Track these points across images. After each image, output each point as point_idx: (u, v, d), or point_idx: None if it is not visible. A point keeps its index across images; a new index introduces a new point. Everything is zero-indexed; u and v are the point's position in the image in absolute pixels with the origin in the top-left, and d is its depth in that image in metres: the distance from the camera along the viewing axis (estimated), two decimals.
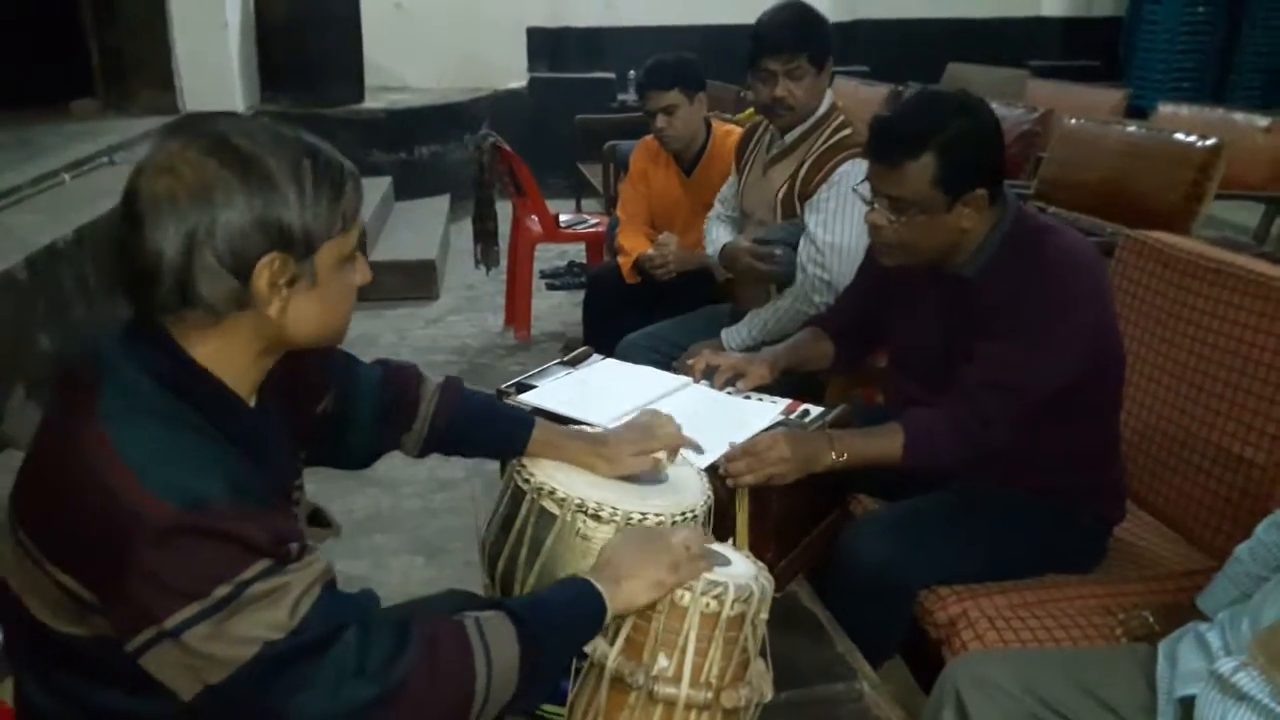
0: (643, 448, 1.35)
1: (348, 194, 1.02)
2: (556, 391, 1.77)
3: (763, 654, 1.15)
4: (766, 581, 1.14)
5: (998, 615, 1.62)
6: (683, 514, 1.27)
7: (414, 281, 4.81)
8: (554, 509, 1.26)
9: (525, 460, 1.33)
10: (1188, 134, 3.23)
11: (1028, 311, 1.61)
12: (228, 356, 1.01)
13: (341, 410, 1.29)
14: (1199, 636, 1.32)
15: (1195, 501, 1.83)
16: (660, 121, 3.04)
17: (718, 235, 2.71)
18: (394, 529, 2.79)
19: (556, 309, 4.67)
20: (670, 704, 1.07)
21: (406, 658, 0.95)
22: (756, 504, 1.58)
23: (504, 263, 4.40)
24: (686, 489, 1.35)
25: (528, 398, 1.74)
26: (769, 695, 1.14)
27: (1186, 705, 1.27)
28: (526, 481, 1.29)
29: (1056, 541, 1.76)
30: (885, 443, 1.64)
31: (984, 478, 1.75)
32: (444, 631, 0.99)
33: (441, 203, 5.91)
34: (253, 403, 1.07)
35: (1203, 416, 1.82)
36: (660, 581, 1.08)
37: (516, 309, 4.29)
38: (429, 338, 4.30)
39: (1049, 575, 1.76)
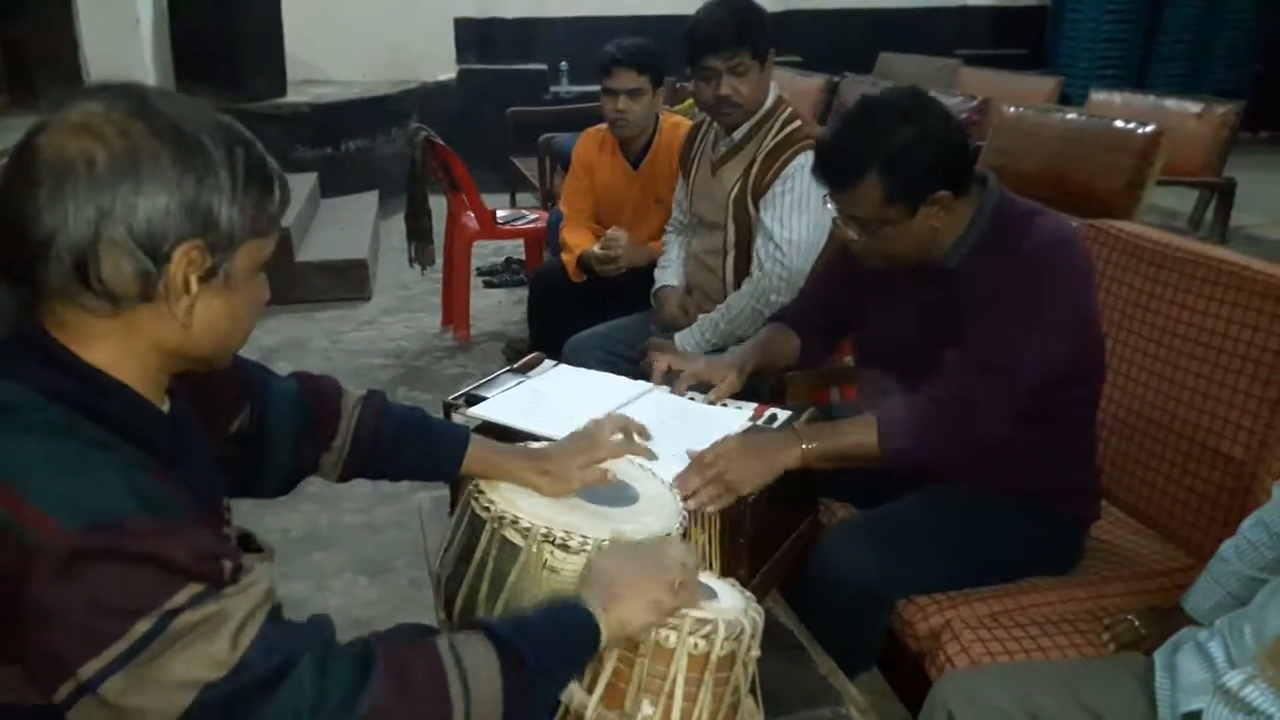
0: (589, 458, 1.24)
1: (276, 195, 0.91)
2: (509, 403, 1.65)
3: (752, 691, 1.06)
4: (757, 615, 1.05)
5: (980, 625, 1.55)
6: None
7: (345, 282, 4.63)
8: (517, 539, 1.15)
9: (483, 485, 1.21)
10: (1125, 121, 3.22)
11: (1016, 293, 1.54)
12: (126, 361, 0.87)
13: (258, 428, 1.15)
14: (1199, 647, 1.26)
15: (1172, 498, 1.78)
16: (621, 104, 2.92)
17: (668, 257, 2.68)
18: (334, 546, 2.65)
19: (496, 308, 4.53)
20: None
21: (370, 693, 0.82)
22: (728, 520, 1.48)
23: (439, 261, 4.25)
24: (659, 508, 1.25)
25: (479, 411, 1.62)
26: None
27: (1191, 717, 1.21)
28: (486, 509, 1.18)
29: (1034, 543, 1.70)
30: (859, 433, 1.56)
31: (960, 478, 1.68)
32: (414, 660, 0.86)
33: (370, 199, 5.72)
34: (165, 408, 0.93)
35: (1177, 411, 1.78)
36: (658, 602, 0.98)
37: (454, 308, 4.15)
38: (363, 340, 4.13)
39: (1027, 579, 1.70)
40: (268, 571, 0.85)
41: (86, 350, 0.85)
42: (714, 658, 0.98)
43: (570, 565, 1.14)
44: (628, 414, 1.62)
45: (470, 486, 1.22)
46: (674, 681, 0.97)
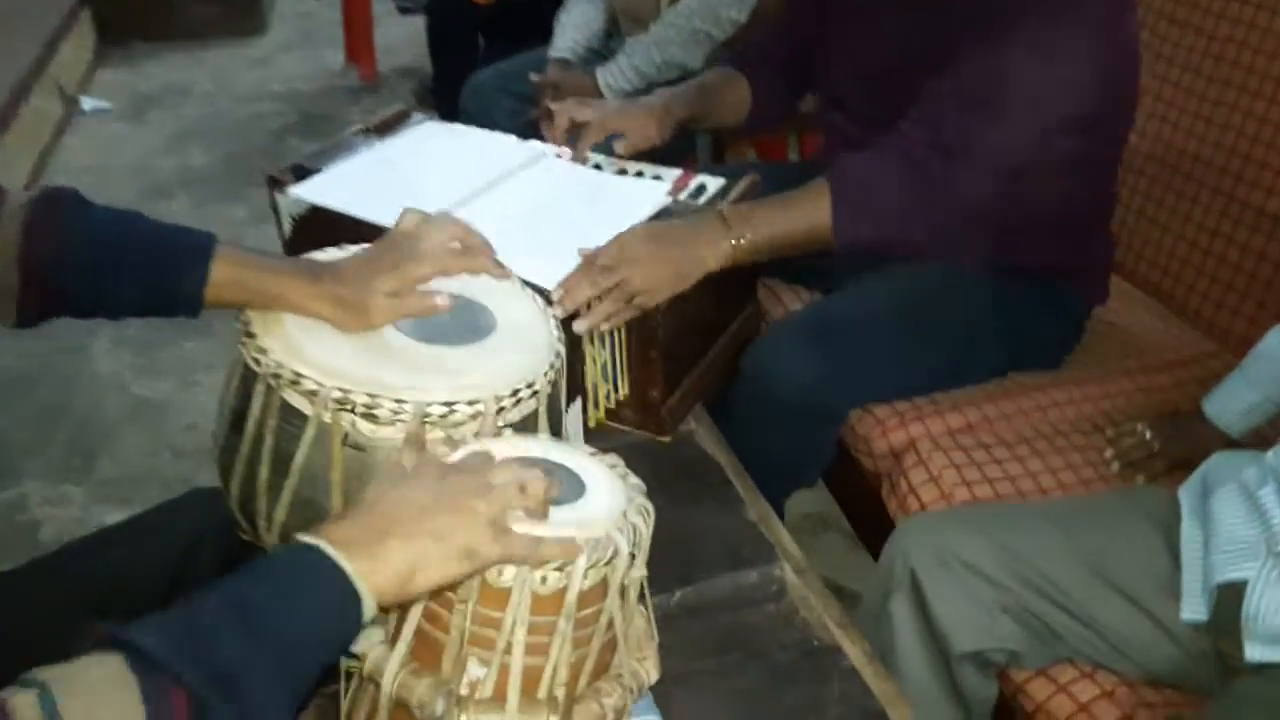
0: (404, 278, 0.87)
1: None
2: (347, 179, 1.24)
3: (642, 598, 0.74)
4: (642, 516, 0.71)
5: (953, 443, 1.24)
6: (514, 393, 0.82)
7: (234, 11, 3.98)
8: (302, 405, 0.79)
9: (255, 321, 0.84)
10: None
11: (1021, 5, 1.13)
12: None
13: None
14: (1245, 492, 0.96)
15: (1196, 269, 1.44)
16: None
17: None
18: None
19: (412, 38, 3.92)
20: None
21: None
22: (636, 331, 1.13)
23: None
24: (523, 341, 0.89)
25: (305, 190, 1.21)
26: (654, 677, 0.75)
27: (1230, 589, 0.93)
28: (257, 360, 0.81)
29: (1023, 333, 1.37)
30: (806, 210, 1.18)
31: (935, 256, 1.32)
32: None
33: None
34: None
35: (1213, 157, 1.40)
36: (470, 551, 0.62)
37: (358, 41, 3.57)
38: (254, 83, 3.58)
39: (1011, 376, 1.38)
40: None
41: None
42: (572, 596, 0.65)
43: (383, 441, 0.79)
44: (505, 192, 1.24)
45: (239, 323, 0.85)
46: (512, 632, 0.65)
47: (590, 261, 1.06)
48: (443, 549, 0.61)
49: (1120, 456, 1.23)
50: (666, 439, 1.20)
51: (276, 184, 1.24)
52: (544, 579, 0.65)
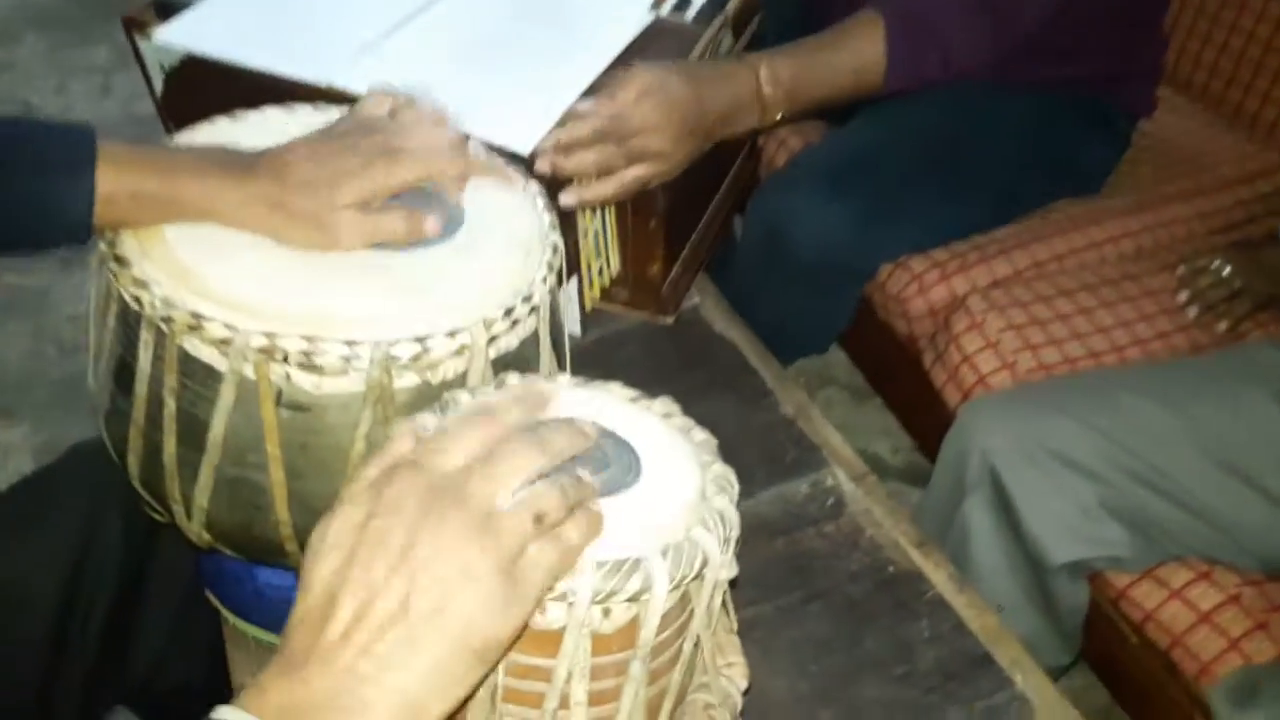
0: (374, 187, 0.61)
1: None
2: (228, 14, 0.94)
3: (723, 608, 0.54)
4: (725, 488, 0.50)
5: (1007, 297, 1.05)
6: (507, 312, 0.59)
7: None
8: (211, 356, 0.56)
9: (122, 239, 0.59)
10: None
11: None
12: None
13: None
14: None
15: (1252, 65, 1.23)
16: None
17: None
18: None
19: None
20: None
21: None
22: (628, 202, 0.89)
23: None
24: (504, 238, 0.65)
25: (171, 34, 0.91)
26: (743, 685, 0.56)
27: None
28: (136, 299, 0.56)
29: (1066, 156, 1.16)
30: (853, 52, 0.93)
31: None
32: None
33: None
34: None
35: None
36: (484, 649, 0.40)
37: None
38: None
39: (1053, 207, 1.19)
40: None
41: None
42: (648, 634, 0.45)
43: (335, 394, 0.56)
44: (439, 18, 0.95)
45: (101, 246, 0.59)
46: (568, 684, 0.45)
47: (586, 122, 0.80)
48: (445, 669, 0.39)
49: (1196, 299, 1.05)
50: (670, 319, 0.99)
51: (136, 27, 0.94)
52: (607, 612, 0.45)
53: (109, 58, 2.31)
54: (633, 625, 0.45)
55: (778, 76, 0.88)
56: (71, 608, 0.72)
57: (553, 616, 0.44)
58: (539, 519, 0.41)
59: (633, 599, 0.44)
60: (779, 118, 0.89)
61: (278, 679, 0.38)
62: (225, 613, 0.72)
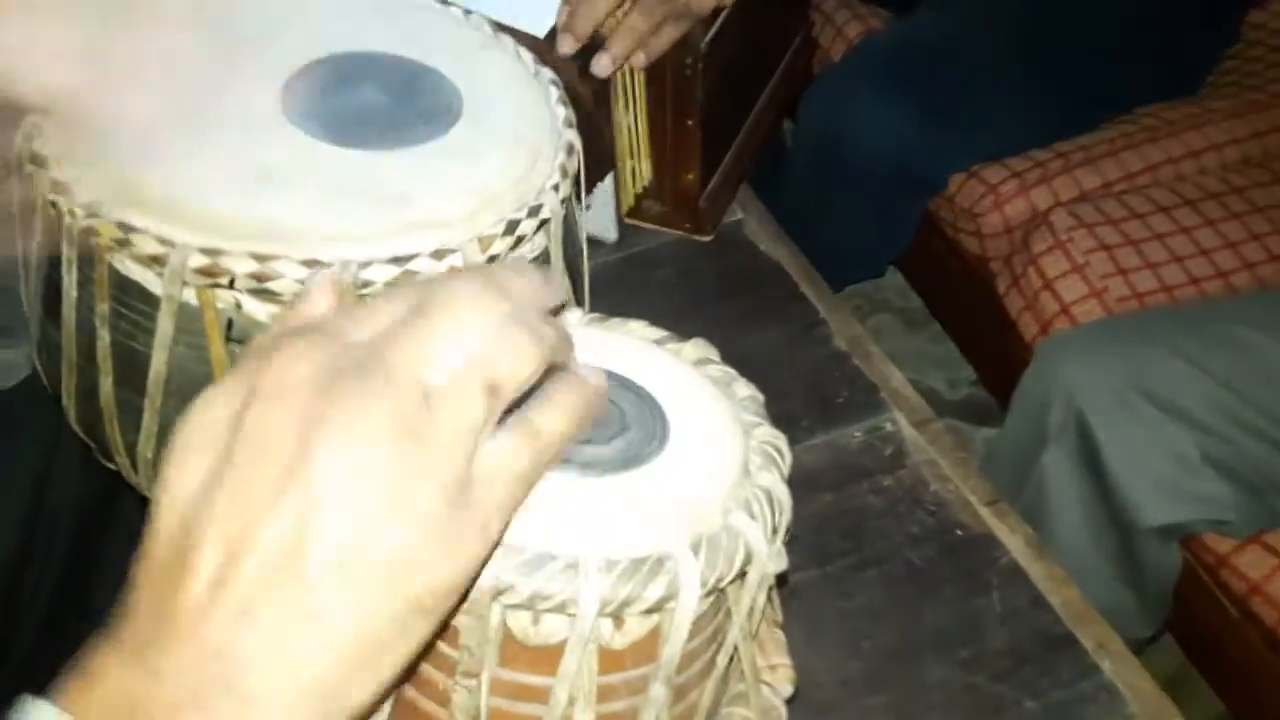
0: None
1: None
2: None
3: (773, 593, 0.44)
4: (774, 460, 0.40)
5: (1096, 213, 0.93)
6: (509, 227, 0.48)
7: None
8: (144, 277, 0.46)
9: (40, 124, 0.48)
10: None
11: None
12: None
13: None
14: None
15: None
16: None
17: None
18: None
19: None
20: None
21: None
22: (667, 87, 0.77)
23: None
24: (508, 133, 0.53)
25: None
26: (787, 692, 0.46)
27: None
28: (53, 204, 0.46)
29: (1164, 49, 1.02)
30: None
31: None
32: None
33: None
34: None
35: None
36: (430, 592, 0.27)
37: None
38: None
39: (1145, 109, 1.04)
40: None
41: None
42: (673, 650, 0.35)
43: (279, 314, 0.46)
44: None
45: (18, 140, 0.48)
46: (569, 706, 0.36)
47: None
48: (367, 635, 0.27)
49: None
50: (708, 237, 0.87)
51: None
52: (620, 623, 0.35)
53: None
54: (653, 637, 0.35)
55: None
56: (29, 552, 0.64)
57: (549, 629, 0.34)
58: (493, 390, 0.28)
59: (654, 608, 0.34)
60: None
61: (114, 665, 0.26)
62: None
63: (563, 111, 0.55)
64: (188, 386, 0.48)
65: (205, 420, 0.28)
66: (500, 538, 0.29)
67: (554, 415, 0.30)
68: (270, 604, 0.25)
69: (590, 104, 0.71)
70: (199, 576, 0.26)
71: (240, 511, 0.26)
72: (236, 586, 0.25)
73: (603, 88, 0.73)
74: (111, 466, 0.56)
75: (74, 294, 0.48)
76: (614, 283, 0.80)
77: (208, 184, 0.46)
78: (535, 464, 0.30)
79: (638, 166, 0.83)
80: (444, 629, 0.31)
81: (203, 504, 0.26)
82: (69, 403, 0.53)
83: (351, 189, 0.48)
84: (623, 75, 0.75)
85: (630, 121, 0.79)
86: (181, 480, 0.27)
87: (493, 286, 0.29)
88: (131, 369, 0.49)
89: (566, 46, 0.67)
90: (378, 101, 0.52)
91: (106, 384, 0.49)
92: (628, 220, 0.86)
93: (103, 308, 0.47)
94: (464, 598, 0.30)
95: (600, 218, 0.82)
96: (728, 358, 0.48)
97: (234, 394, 0.27)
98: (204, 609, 0.25)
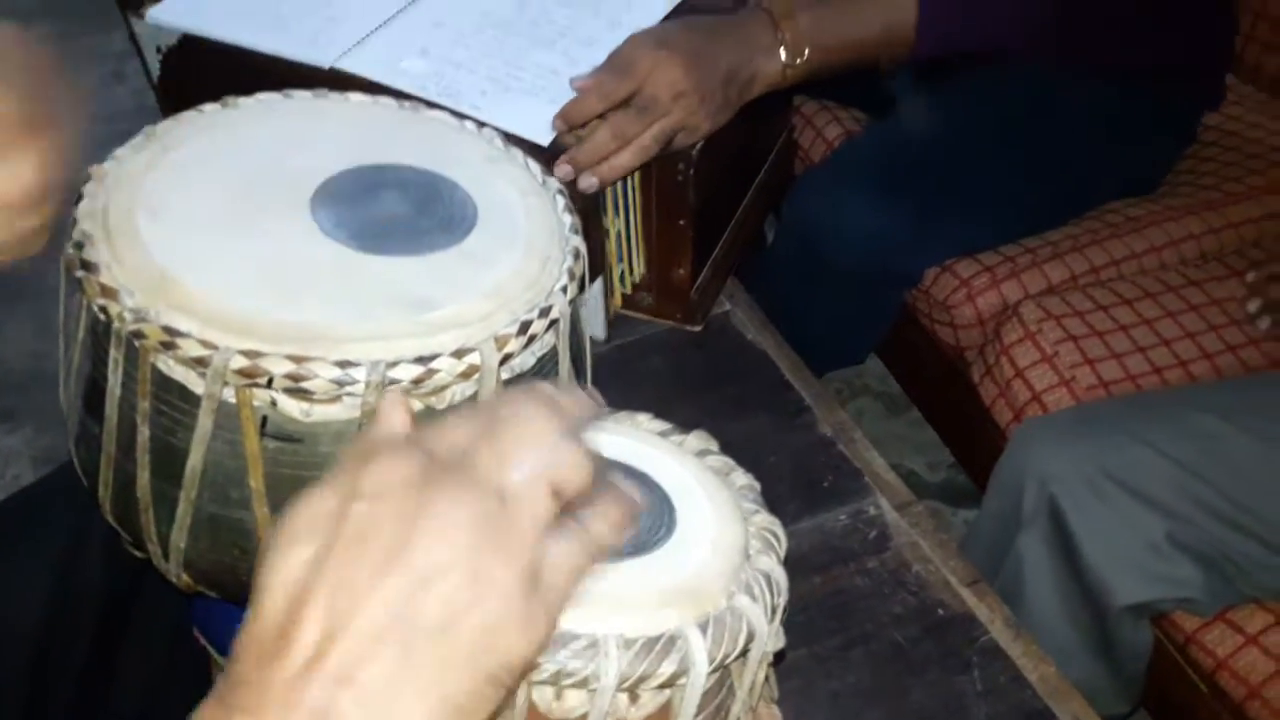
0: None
1: None
2: None
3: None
4: (772, 545, 0.44)
5: (1063, 305, 0.98)
6: (523, 327, 0.52)
7: None
8: (186, 377, 0.49)
9: (86, 223, 0.52)
10: None
11: None
12: None
13: None
14: None
15: None
16: None
17: None
18: None
19: None
20: None
21: None
22: (660, 191, 0.82)
23: None
24: (519, 239, 0.58)
25: (164, 12, 0.85)
26: None
27: None
28: (103, 309, 0.50)
29: (1126, 151, 1.08)
30: (881, 9, 0.85)
31: (1019, 53, 1.01)
32: None
33: None
34: None
35: None
36: (505, 667, 0.31)
37: None
38: None
39: (1110, 208, 1.11)
40: None
41: None
42: (682, 718, 0.38)
43: (322, 424, 0.50)
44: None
45: (68, 249, 0.52)
46: None
47: (601, 89, 0.73)
48: (452, 705, 0.30)
49: (1269, 308, 0.97)
50: (698, 327, 0.92)
51: (130, 5, 0.88)
52: (635, 698, 0.38)
53: (122, 44, 2.25)
54: (664, 711, 0.39)
55: (793, 15, 0.80)
56: (51, 641, 0.66)
57: (571, 704, 0.37)
58: (557, 493, 0.33)
59: (667, 683, 0.37)
60: (801, 59, 0.80)
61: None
62: (215, 654, 0.66)
63: (569, 219, 0.60)
64: (221, 479, 0.51)
65: (310, 514, 0.32)
66: (558, 623, 0.33)
67: (605, 525, 0.35)
68: (369, 671, 0.29)
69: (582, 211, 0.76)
70: (303, 647, 0.29)
71: (345, 592, 0.29)
72: (340, 656, 0.29)
73: (594, 196, 0.78)
74: (140, 555, 0.58)
75: (117, 392, 0.51)
76: (607, 371, 0.84)
77: (246, 290, 0.50)
78: (589, 562, 0.34)
79: (627, 267, 0.88)
80: None
81: (308, 586, 0.30)
82: (105, 494, 0.56)
83: (378, 293, 0.52)
84: (614, 189, 0.80)
85: (621, 227, 0.84)
86: (288, 565, 0.31)
87: (550, 406, 0.34)
88: (168, 463, 0.52)
89: (564, 173, 0.72)
90: (400, 210, 0.56)
91: (144, 477, 0.53)
92: (621, 312, 0.90)
93: (144, 405, 0.51)
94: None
95: (591, 318, 0.86)
96: (717, 443, 0.52)
97: (336, 493, 0.32)
98: (306, 674, 0.29)
